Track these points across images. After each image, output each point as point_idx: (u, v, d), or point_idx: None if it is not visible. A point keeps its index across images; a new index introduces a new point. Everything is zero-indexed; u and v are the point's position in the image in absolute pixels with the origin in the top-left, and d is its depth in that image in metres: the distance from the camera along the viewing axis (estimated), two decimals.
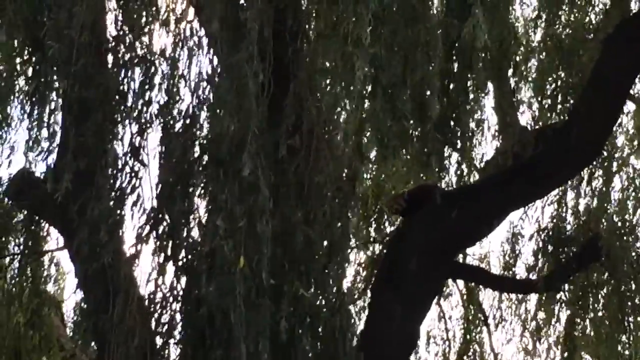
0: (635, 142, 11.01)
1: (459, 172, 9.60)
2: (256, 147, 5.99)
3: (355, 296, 11.47)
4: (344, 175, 7.14)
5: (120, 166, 6.44)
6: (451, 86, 7.97)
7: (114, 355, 6.16)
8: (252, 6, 6.17)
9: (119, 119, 6.58)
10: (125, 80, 6.57)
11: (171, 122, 6.40)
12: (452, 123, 8.16)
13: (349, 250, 8.93)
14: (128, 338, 6.13)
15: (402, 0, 6.83)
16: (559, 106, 10.17)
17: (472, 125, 9.43)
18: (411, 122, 7.35)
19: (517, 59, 9.99)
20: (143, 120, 6.43)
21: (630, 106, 10.54)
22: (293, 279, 6.36)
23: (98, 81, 6.47)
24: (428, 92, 7.13)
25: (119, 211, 6.45)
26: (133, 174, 6.41)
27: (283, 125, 6.49)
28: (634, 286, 10.31)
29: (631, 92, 9.73)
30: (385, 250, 10.56)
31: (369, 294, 10.67)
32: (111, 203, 6.44)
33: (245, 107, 6.03)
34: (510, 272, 11.35)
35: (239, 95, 6.05)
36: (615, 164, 10.66)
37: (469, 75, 8.02)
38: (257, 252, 5.92)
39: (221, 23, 6.20)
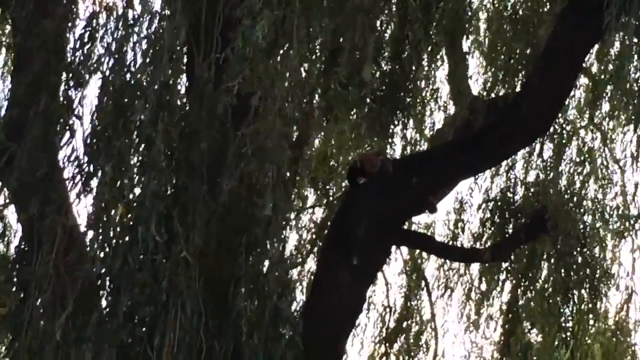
0: (587, 116, 11.07)
1: (410, 140, 9.58)
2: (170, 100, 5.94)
3: (300, 260, 11.46)
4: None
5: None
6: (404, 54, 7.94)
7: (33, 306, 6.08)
8: None
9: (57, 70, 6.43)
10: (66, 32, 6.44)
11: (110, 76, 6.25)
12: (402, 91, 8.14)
13: (293, 214, 8.89)
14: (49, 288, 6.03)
15: None
16: (512, 77, 10.19)
17: (425, 93, 9.44)
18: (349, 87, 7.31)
19: (472, 28, 9.99)
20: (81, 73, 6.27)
21: (582, 80, 10.58)
22: (232, 240, 6.33)
23: (38, 31, 6.34)
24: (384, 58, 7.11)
25: (49, 162, 6.33)
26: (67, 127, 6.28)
27: (223, 84, 6.40)
28: (579, 259, 10.38)
29: (584, 65, 9.76)
30: (333, 215, 10.53)
31: (314, 258, 10.67)
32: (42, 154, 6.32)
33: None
34: (457, 242, 11.38)
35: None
36: (565, 136, 10.70)
37: (423, 44, 7.99)
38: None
39: None
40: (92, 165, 6.02)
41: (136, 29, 6.18)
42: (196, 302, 5.96)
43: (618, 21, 5.98)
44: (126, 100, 6.06)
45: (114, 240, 5.89)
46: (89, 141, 6.07)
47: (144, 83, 6.08)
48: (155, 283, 5.86)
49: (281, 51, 6.63)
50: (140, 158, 6.09)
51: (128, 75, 6.15)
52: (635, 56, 8.55)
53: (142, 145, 6.08)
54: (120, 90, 6.09)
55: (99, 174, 5.97)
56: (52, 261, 6.07)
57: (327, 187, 11.56)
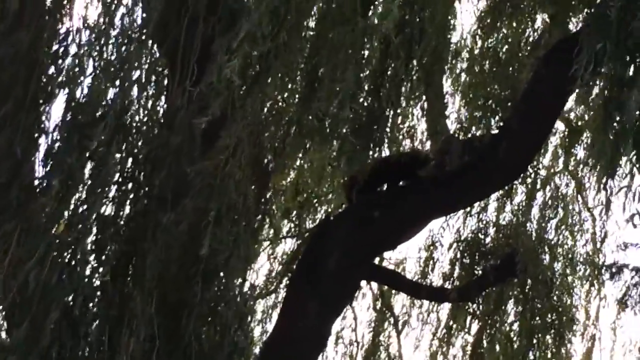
0: (561, 162, 11.11)
1: None
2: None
3: (270, 290, 11.41)
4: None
5: None
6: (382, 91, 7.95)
7: None
8: None
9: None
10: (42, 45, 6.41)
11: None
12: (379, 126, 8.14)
13: (260, 245, 8.85)
14: None
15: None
16: (490, 118, 10.20)
17: (404, 130, 9.44)
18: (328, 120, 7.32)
19: (452, 68, 10.02)
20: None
21: (559, 125, 10.64)
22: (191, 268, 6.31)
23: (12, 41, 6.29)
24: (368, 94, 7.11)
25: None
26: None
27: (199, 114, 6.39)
28: (546, 304, 10.39)
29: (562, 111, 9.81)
30: (304, 246, 10.50)
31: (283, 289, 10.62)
32: None
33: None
34: (426, 280, 11.36)
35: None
36: (539, 181, 10.73)
37: (402, 80, 8.00)
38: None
39: None
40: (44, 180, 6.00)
41: (109, 49, 6.16)
42: (150, 327, 5.91)
43: (587, 70, 5.98)
44: (83, 118, 6.04)
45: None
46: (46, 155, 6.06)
47: (104, 103, 6.07)
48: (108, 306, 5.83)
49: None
50: (90, 177, 6.07)
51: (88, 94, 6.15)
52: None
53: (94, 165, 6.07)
54: (80, 108, 6.06)
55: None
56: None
57: (301, 217, 11.51)
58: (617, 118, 6.22)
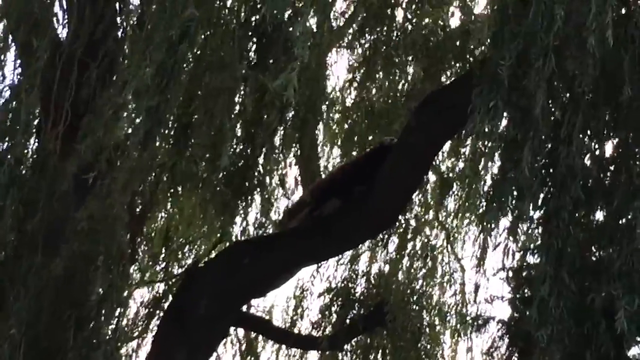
0: (431, 212, 11.21)
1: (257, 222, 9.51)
2: None
3: (136, 334, 11.20)
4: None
5: None
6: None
7: None
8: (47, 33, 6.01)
9: None
10: None
11: None
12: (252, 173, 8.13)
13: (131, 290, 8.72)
14: None
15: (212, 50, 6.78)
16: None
17: (276, 177, 9.42)
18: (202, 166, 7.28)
19: (327, 117, 10.07)
20: None
21: (431, 177, 10.74)
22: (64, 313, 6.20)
23: None
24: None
25: None
26: None
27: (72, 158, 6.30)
28: (414, 354, 10.42)
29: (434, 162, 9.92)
30: (173, 292, 10.37)
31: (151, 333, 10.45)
32: None
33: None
34: (295, 328, 11.30)
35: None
36: (410, 232, 10.80)
37: (276, 129, 8.01)
38: None
39: None
40: None
41: None
42: None
43: (482, 127, 6.05)
44: None
45: None
46: None
47: None
48: None
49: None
50: None
51: None
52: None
53: None
54: None
55: None
56: None
57: (170, 262, 11.38)
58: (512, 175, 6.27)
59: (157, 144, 7.09)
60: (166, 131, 7.56)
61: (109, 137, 6.21)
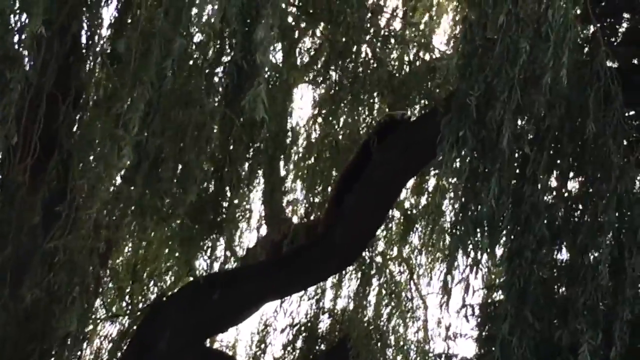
0: (395, 249, 11.23)
1: (221, 257, 9.49)
2: None
3: None
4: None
5: None
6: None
7: None
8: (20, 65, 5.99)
9: None
10: None
11: None
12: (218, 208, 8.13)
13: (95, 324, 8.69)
14: None
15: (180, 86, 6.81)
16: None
17: (239, 212, 9.42)
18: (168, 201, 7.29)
19: (291, 153, 10.09)
20: None
21: (395, 213, 10.76)
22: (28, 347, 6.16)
23: None
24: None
25: None
26: None
27: (41, 192, 6.29)
28: None
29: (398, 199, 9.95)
30: (136, 325, 10.29)
31: None
32: None
33: None
34: None
35: None
36: (374, 268, 10.80)
37: (242, 164, 8.03)
38: None
39: None
40: None
41: None
42: None
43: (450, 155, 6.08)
44: None
45: None
46: None
47: None
48: None
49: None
50: None
51: None
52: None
53: None
54: None
55: None
56: None
57: (134, 296, 11.29)
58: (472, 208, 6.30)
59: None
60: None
61: (96, 169, 6.19)
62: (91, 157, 6.87)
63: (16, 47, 6.17)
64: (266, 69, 5.48)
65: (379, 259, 10.81)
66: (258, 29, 5.36)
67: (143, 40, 6.11)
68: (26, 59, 6.20)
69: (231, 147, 7.82)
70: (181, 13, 6.07)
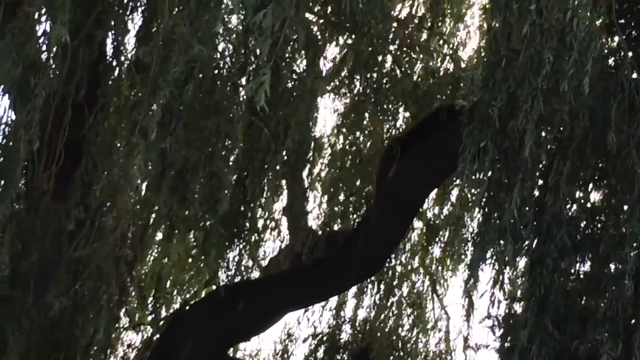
0: (417, 260, 11.22)
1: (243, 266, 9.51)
2: None
3: None
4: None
5: None
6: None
7: None
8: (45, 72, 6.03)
9: None
10: None
11: None
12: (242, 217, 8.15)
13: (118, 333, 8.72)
14: None
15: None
16: (352, 213, 10.28)
17: (262, 221, 9.43)
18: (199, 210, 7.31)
19: (314, 162, 10.10)
20: None
21: (417, 223, 10.75)
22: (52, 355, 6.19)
23: None
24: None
25: None
26: None
27: (72, 199, 6.33)
28: None
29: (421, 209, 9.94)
30: (159, 334, 10.32)
31: None
32: None
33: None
34: None
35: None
36: (396, 278, 10.80)
37: (265, 173, 8.05)
38: None
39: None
40: None
41: None
42: None
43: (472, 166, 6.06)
44: None
45: None
46: None
47: None
48: None
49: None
50: None
51: None
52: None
53: None
54: None
55: None
56: None
57: (157, 306, 11.32)
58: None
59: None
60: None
61: (121, 178, 6.23)
62: (112, 165, 6.90)
63: (43, 55, 6.22)
64: (265, 59, 5.38)
65: (400, 268, 10.82)
66: (263, 20, 5.29)
67: (164, 48, 6.13)
68: (52, 67, 6.24)
69: (255, 157, 7.83)
70: (203, 21, 6.08)
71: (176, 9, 6.46)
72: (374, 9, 8.33)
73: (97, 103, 6.61)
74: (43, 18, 6.25)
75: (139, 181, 6.68)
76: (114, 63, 6.97)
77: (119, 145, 6.71)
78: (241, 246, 8.76)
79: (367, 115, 10.25)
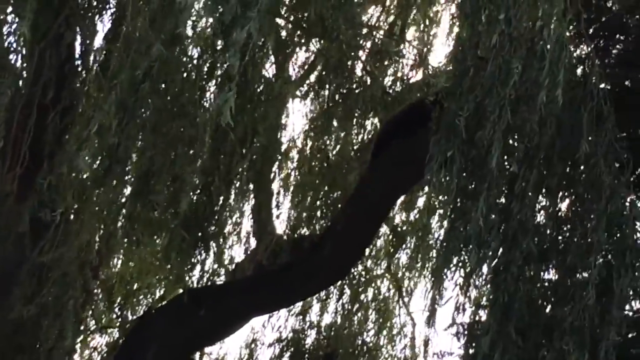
0: (384, 265, 11.22)
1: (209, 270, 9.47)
2: None
3: None
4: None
5: None
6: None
7: None
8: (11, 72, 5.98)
9: None
10: None
11: None
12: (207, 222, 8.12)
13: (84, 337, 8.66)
14: None
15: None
16: (319, 219, 10.26)
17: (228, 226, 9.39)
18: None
19: (282, 167, 10.09)
20: None
21: (383, 229, 10.75)
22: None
23: None
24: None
25: None
26: None
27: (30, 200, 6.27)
28: None
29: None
30: (124, 337, 10.26)
31: None
32: None
33: None
34: None
35: None
36: (362, 284, 10.80)
37: (232, 177, 8.02)
38: None
39: None
40: None
41: None
42: None
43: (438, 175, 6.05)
44: None
45: None
46: None
47: None
48: None
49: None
50: None
51: None
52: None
53: None
54: None
55: None
56: None
57: (124, 309, 11.26)
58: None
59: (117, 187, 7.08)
60: (126, 177, 7.56)
61: (71, 174, 6.17)
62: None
63: (9, 53, 6.16)
64: (235, 73, 5.35)
65: (366, 274, 10.82)
66: (236, 32, 5.24)
67: (125, 48, 6.09)
68: (19, 67, 6.19)
69: (222, 160, 7.80)
70: (166, 22, 6.04)
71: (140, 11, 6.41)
72: (343, 14, 8.32)
73: (60, 105, 6.55)
74: (9, 18, 6.21)
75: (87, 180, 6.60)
76: (81, 65, 6.92)
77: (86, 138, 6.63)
78: (206, 250, 8.73)
79: (335, 120, 10.24)
